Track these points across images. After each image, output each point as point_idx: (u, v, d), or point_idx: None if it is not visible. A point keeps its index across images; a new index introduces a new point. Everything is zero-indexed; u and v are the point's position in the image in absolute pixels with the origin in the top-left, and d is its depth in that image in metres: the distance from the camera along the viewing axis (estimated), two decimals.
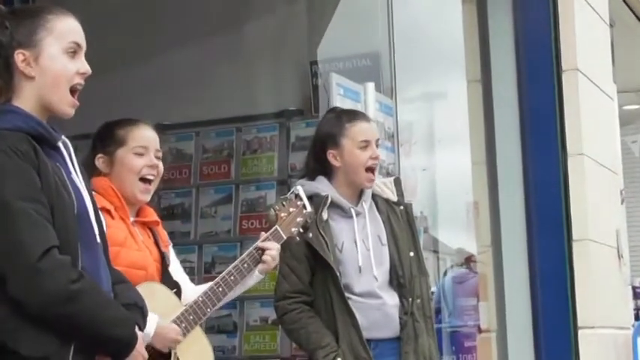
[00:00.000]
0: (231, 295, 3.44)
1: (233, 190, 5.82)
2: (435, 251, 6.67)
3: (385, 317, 3.86)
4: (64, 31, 2.56)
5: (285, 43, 5.85)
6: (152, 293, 3.17)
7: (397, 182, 4.12)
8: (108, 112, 2.66)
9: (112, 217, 3.26)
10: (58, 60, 2.54)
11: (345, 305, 3.78)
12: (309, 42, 5.79)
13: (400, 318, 3.89)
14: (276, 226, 3.53)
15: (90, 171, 3.25)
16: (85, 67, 2.58)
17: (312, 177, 3.97)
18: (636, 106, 10.14)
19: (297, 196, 3.63)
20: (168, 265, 3.39)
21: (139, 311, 2.61)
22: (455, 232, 7.01)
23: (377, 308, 3.85)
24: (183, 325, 3.24)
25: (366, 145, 3.91)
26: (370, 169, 3.91)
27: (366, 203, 3.96)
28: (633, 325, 6.65)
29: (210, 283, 3.39)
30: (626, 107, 9.59)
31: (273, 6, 5.90)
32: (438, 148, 6.70)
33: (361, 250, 3.86)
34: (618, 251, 6.21)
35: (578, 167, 5.67)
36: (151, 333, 3.09)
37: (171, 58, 5.95)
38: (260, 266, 3.46)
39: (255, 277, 3.50)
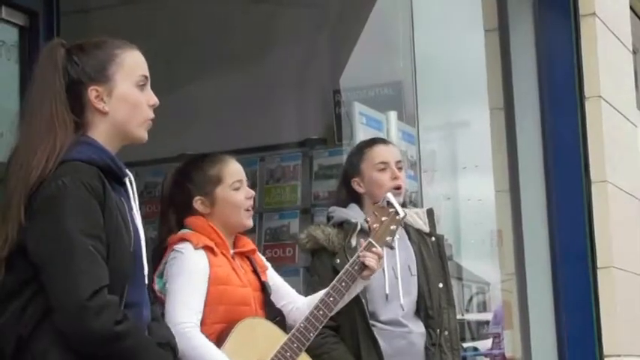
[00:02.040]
0: (330, 315, 3.42)
1: (257, 219, 5.83)
2: (460, 278, 6.66)
3: (410, 346, 3.86)
4: (133, 65, 2.60)
5: (308, 72, 5.87)
6: (252, 328, 3.26)
7: (430, 213, 4.10)
8: None
9: (215, 255, 3.31)
10: (131, 95, 2.58)
11: (370, 332, 3.78)
12: (331, 71, 5.82)
13: (427, 349, 3.88)
14: (370, 239, 3.50)
15: (177, 208, 3.40)
16: (154, 99, 2.63)
17: (344, 206, 3.98)
18: None
19: (389, 203, 3.55)
20: (269, 295, 3.43)
21: (171, 352, 2.64)
22: (479, 260, 7.00)
23: (402, 337, 3.85)
24: (288, 354, 3.26)
25: (384, 167, 3.91)
26: (396, 188, 3.87)
27: (397, 232, 3.95)
28: None
29: (312, 304, 3.39)
30: None
31: (297, 35, 5.93)
32: (461, 176, 6.70)
33: (389, 278, 3.85)
34: None
35: (602, 194, 5.66)
36: None
37: (196, 87, 5.99)
38: (365, 272, 3.45)
39: (358, 288, 3.52)
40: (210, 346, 3.17)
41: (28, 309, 2.44)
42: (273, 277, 3.54)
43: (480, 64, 6.08)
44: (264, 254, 5.67)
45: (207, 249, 3.30)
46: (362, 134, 4.83)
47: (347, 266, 3.47)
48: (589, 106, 5.77)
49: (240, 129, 5.66)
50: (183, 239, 3.34)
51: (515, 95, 5.89)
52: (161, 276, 3.33)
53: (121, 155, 2.70)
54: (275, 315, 3.40)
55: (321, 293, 3.45)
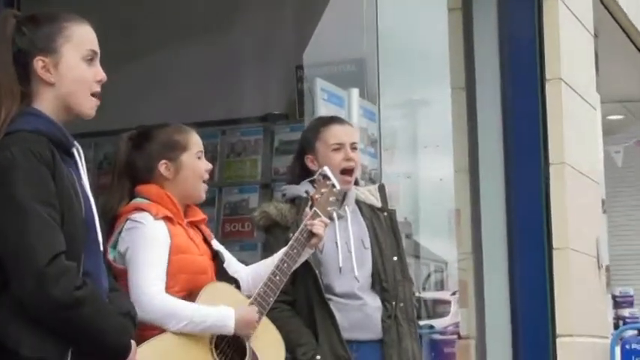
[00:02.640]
0: (285, 281, 3.50)
1: (216, 193, 5.82)
2: (417, 257, 6.69)
3: (366, 318, 3.90)
4: (82, 39, 2.59)
5: (270, 47, 5.86)
6: (217, 292, 3.30)
7: (381, 189, 4.16)
8: (96, 112, 2.68)
9: (174, 225, 3.33)
10: (77, 68, 2.57)
11: (325, 305, 3.82)
12: (295, 46, 5.80)
13: (383, 321, 3.92)
14: (315, 208, 3.58)
15: (131, 175, 3.38)
16: (102, 74, 2.62)
17: (297, 182, 4.02)
18: (620, 117, 10.20)
19: (325, 176, 3.65)
20: (223, 262, 3.46)
21: (131, 320, 2.64)
22: (437, 239, 7.04)
23: (357, 309, 3.89)
24: None
25: (338, 147, 3.95)
26: (346, 172, 3.94)
27: (349, 207, 3.99)
28: (612, 335, 6.70)
29: (264, 268, 3.49)
30: (609, 117, 9.64)
31: (260, 10, 5.91)
32: (422, 155, 6.72)
33: (342, 251, 3.89)
34: (598, 260, 6.24)
35: (560, 176, 5.71)
36: (232, 324, 3.21)
37: (156, 60, 5.96)
38: (313, 240, 3.53)
39: (305, 255, 3.59)
40: (181, 301, 3.21)
41: None
42: (218, 247, 3.55)
43: (443, 44, 6.09)
44: (222, 228, 5.74)
45: (167, 219, 3.31)
46: (323, 110, 4.83)
47: (296, 234, 3.54)
48: (549, 88, 5.81)
49: (201, 102, 5.64)
50: (139, 209, 3.33)
51: (477, 75, 5.91)
52: (114, 246, 3.32)
53: (80, 126, 2.69)
54: (230, 282, 3.43)
55: (266, 260, 3.54)
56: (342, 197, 4.00)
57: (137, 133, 3.50)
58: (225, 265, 3.48)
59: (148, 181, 3.42)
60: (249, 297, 3.39)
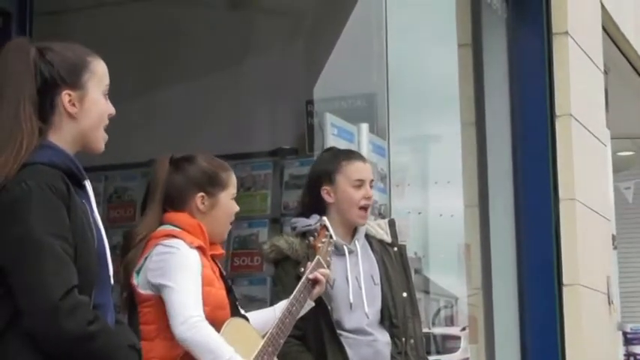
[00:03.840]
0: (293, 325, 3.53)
1: None
2: (427, 292, 6.67)
3: (376, 354, 3.89)
4: (102, 74, 2.62)
5: (281, 81, 5.88)
6: (238, 329, 3.32)
7: (392, 224, 4.16)
8: (106, 146, 2.69)
9: (204, 256, 3.31)
10: (100, 103, 2.59)
11: (336, 340, 3.81)
12: (305, 81, 5.83)
13: (393, 358, 3.91)
14: (318, 256, 3.63)
15: (171, 203, 3.34)
16: (112, 109, 2.64)
17: (306, 214, 4.02)
18: (630, 153, 10.20)
19: (324, 227, 3.71)
20: (236, 300, 3.46)
21: (136, 354, 2.62)
22: (447, 274, 7.02)
23: (368, 345, 3.88)
24: (265, 357, 3.33)
25: (360, 184, 3.96)
26: (363, 208, 3.95)
27: (359, 242, 3.99)
28: None
29: (267, 313, 3.52)
30: (620, 154, 9.64)
31: (271, 45, 5.94)
32: (432, 190, 6.72)
33: (353, 287, 3.89)
34: (609, 297, 6.22)
35: (570, 212, 5.70)
36: None
37: (168, 94, 5.98)
38: (315, 290, 3.57)
39: (307, 306, 3.61)
40: (221, 340, 3.20)
41: None
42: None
43: (453, 79, 6.11)
44: (232, 262, 5.73)
45: (200, 249, 3.29)
46: (334, 145, 4.82)
47: (303, 279, 3.58)
48: (559, 124, 5.82)
49: (211, 136, 5.65)
50: (171, 235, 3.30)
51: (487, 111, 5.93)
52: (139, 271, 3.29)
53: (90, 159, 2.71)
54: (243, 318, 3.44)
55: (264, 310, 3.58)
56: (353, 232, 4.00)
57: (181, 159, 3.45)
58: (237, 303, 3.49)
59: (178, 209, 3.38)
60: (262, 337, 3.38)
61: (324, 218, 3.77)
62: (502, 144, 5.89)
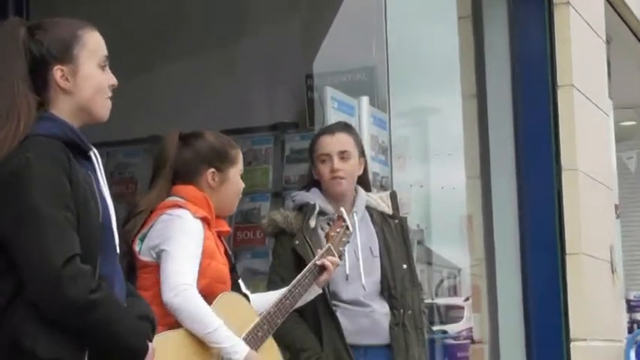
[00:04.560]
0: (294, 307, 3.57)
1: None
2: (430, 263, 6.69)
3: (373, 324, 3.93)
4: (96, 46, 2.61)
5: (280, 56, 5.88)
6: (233, 303, 3.35)
7: (393, 196, 4.18)
8: (105, 122, 2.71)
9: (208, 228, 3.34)
10: (95, 75, 2.59)
11: (329, 311, 3.85)
12: (304, 55, 5.82)
13: (391, 328, 3.94)
14: (329, 244, 3.67)
15: (173, 173, 3.37)
16: (114, 80, 2.64)
17: (308, 188, 4.06)
18: (633, 123, 10.19)
19: (340, 217, 3.75)
20: (238, 278, 3.50)
21: (149, 324, 2.64)
22: (449, 245, 7.04)
23: (365, 315, 3.92)
24: (260, 334, 3.37)
25: (325, 159, 4.00)
26: (334, 179, 3.98)
27: (358, 214, 4.01)
28: (626, 338, 6.68)
29: (274, 296, 3.52)
30: (622, 123, 9.63)
31: (270, 19, 5.93)
32: (433, 162, 6.73)
33: (350, 259, 3.92)
34: (612, 265, 6.23)
35: (572, 182, 5.71)
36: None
37: (167, 71, 5.98)
38: (321, 278, 3.60)
39: (313, 292, 3.65)
40: (209, 309, 3.23)
41: (0, 285, 2.44)
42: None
43: (453, 51, 6.10)
44: (234, 236, 5.75)
45: (204, 220, 3.32)
46: (333, 119, 4.83)
47: (310, 264, 3.61)
48: (561, 95, 5.81)
49: (212, 111, 5.66)
50: (177, 206, 3.33)
51: (488, 83, 5.92)
52: (143, 238, 3.32)
53: (92, 135, 2.72)
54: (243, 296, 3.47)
55: (271, 292, 3.60)
56: (352, 203, 4.03)
57: (190, 134, 3.48)
58: (239, 281, 3.51)
59: (187, 182, 3.41)
60: (259, 315, 3.42)
61: (342, 209, 3.81)
62: (503, 115, 5.88)
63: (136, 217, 3.35)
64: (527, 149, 5.82)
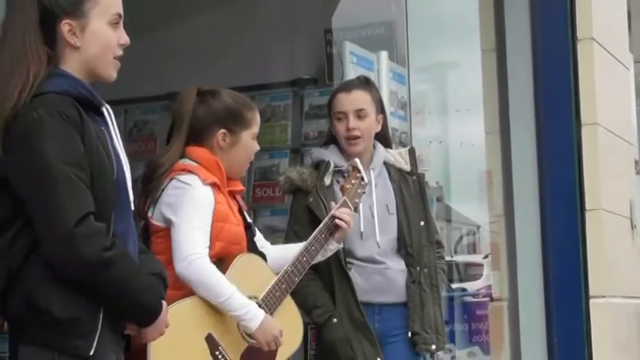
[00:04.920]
0: (312, 263, 3.56)
1: None
2: (449, 220, 6.68)
3: (388, 282, 3.93)
4: (108, 3, 2.58)
5: (299, 11, 5.83)
6: (249, 265, 3.35)
7: (411, 152, 4.16)
8: (123, 79, 2.69)
9: (219, 192, 3.33)
10: (104, 33, 2.56)
11: (342, 270, 3.86)
12: (323, 10, 5.78)
13: (407, 286, 3.94)
14: (344, 197, 3.66)
15: (188, 134, 3.34)
16: (125, 38, 2.62)
17: (327, 145, 4.04)
18: None
19: (355, 168, 3.73)
20: (254, 236, 3.50)
21: (162, 282, 2.64)
22: (468, 202, 7.02)
23: (379, 272, 3.93)
24: (277, 293, 3.37)
25: (340, 117, 3.98)
26: (349, 139, 3.96)
27: (375, 171, 4.00)
28: None
29: (292, 250, 3.52)
30: None
31: None
32: (452, 118, 6.69)
33: (365, 216, 3.91)
34: (632, 221, 6.20)
35: (592, 137, 5.66)
36: (256, 326, 3.24)
37: (185, 27, 5.95)
38: (337, 234, 3.60)
39: (333, 248, 3.65)
40: (223, 277, 3.23)
41: (16, 243, 2.45)
42: (249, 221, 3.58)
43: (473, 5, 6.04)
44: (253, 193, 5.75)
45: (214, 185, 3.31)
46: (352, 74, 4.81)
47: (325, 219, 3.62)
48: (581, 48, 5.74)
49: (230, 67, 5.63)
50: (187, 170, 3.31)
51: (507, 36, 5.85)
52: (154, 203, 3.32)
53: (110, 93, 2.70)
54: (259, 255, 3.47)
55: (291, 245, 3.61)
56: (370, 160, 4.01)
57: (208, 92, 3.44)
58: (255, 239, 3.50)
59: (199, 143, 3.38)
60: (276, 274, 3.41)
61: (356, 160, 3.79)
62: (523, 70, 5.82)
63: (159, 179, 3.32)
64: (546, 104, 5.77)
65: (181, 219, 3.23)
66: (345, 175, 3.77)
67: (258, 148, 3.51)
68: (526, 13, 5.86)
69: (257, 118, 3.48)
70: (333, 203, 3.69)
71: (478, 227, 7.66)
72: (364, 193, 3.78)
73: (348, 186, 3.71)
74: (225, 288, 3.21)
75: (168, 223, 3.28)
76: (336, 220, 3.59)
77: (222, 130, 3.38)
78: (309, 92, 5.71)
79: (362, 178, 3.73)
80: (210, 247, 3.26)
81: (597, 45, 5.82)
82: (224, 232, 3.30)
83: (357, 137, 3.95)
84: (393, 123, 4.87)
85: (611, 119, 5.93)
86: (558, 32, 5.78)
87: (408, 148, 4.28)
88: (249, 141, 3.44)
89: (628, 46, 6.68)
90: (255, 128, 3.46)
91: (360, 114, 3.98)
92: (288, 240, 3.89)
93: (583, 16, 5.75)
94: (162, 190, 3.31)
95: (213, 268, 3.22)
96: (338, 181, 3.91)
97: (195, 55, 5.83)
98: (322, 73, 5.70)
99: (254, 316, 3.24)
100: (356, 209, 3.73)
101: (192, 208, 3.24)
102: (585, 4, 5.75)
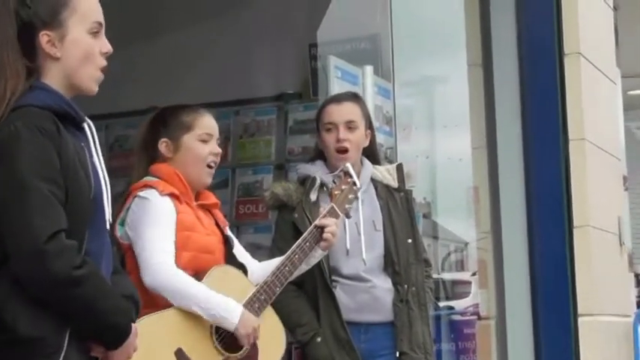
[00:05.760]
0: (296, 274, 3.52)
1: (230, 174, 5.76)
2: (436, 237, 6.62)
3: (374, 300, 3.87)
4: (87, 11, 2.53)
5: (284, 25, 5.80)
6: (225, 276, 3.32)
7: (399, 169, 4.12)
8: (105, 94, 2.63)
9: (180, 203, 3.34)
10: (83, 41, 2.51)
11: (327, 287, 3.81)
12: (308, 24, 5.74)
13: (395, 305, 3.88)
14: (332, 204, 3.60)
15: (148, 154, 3.43)
16: (108, 47, 2.57)
17: (313, 161, 4.00)
18: None
19: (347, 173, 3.66)
20: (232, 248, 3.47)
21: (134, 303, 2.59)
22: (456, 218, 6.97)
23: (365, 291, 3.86)
24: (257, 305, 3.34)
25: (330, 127, 3.92)
26: (339, 151, 3.90)
27: (362, 188, 3.93)
28: (635, 313, 6.62)
29: (276, 263, 3.47)
30: (630, 92, 9.54)
31: None
32: (438, 133, 6.65)
33: (351, 233, 3.85)
34: (620, 238, 6.15)
35: (580, 152, 5.62)
36: (236, 321, 3.21)
37: (169, 41, 5.91)
38: (322, 243, 3.54)
39: (318, 255, 3.60)
40: (194, 280, 3.22)
41: None
42: (231, 236, 3.56)
43: (459, 19, 6.00)
44: (237, 209, 5.69)
45: (173, 196, 3.32)
46: (337, 89, 4.77)
47: (310, 227, 3.56)
48: (568, 63, 5.71)
49: (214, 82, 5.59)
50: (147, 186, 3.35)
51: (494, 51, 5.82)
52: (122, 223, 3.34)
53: (91, 107, 2.64)
54: (238, 268, 3.44)
55: (276, 259, 3.53)
56: (357, 175, 3.94)
57: (154, 115, 3.54)
58: (234, 251, 3.46)
59: (158, 160, 3.45)
60: (255, 286, 3.38)
61: (348, 165, 3.71)
62: (510, 85, 5.78)
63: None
64: (533, 119, 5.73)
65: (142, 232, 3.26)
66: (335, 181, 3.71)
67: (218, 150, 3.49)
68: (513, 28, 5.83)
69: (202, 121, 3.47)
70: (321, 210, 3.65)
71: (466, 244, 7.61)
72: (356, 198, 3.72)
73: (336, 192, 3.65)
74: (198, 289, 3.21)
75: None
76: (325, 234, 3.53)
77: (163, 139, 3.43)
78: (294, 107, 5.68)
79: (354, 183, 3.66)
80: (178, 257, 3.26)
81: (584, 60, 5.79)
82: (191, 242, 3.30)
83: (346, 149, 3.89)
84: (379, 138, 4.81)
85: (598, 134, 5.89)
86: (545, 47, 5.75)
87: (395, 164, 4.22)
88: (194, 143, 3.43)
89: (615, 60, 6.66)
90: (199, 130, 3.45)
91: (350, 125, 3.93)
92: (272, 257, 3.82)
93: (570, 31, 5.72)
94: (127, 209, 3.35)
95: (181, 272, 3.22)
96: (328, 194, 3.85)
97: (178, 69, 5.78)
98: (307, 88, 5.67)
99: (233, 309, 3.23)
100: (347, 215, 3.67)
101: (151, 219, 3.27)
102: (572, 18, 5.72)
